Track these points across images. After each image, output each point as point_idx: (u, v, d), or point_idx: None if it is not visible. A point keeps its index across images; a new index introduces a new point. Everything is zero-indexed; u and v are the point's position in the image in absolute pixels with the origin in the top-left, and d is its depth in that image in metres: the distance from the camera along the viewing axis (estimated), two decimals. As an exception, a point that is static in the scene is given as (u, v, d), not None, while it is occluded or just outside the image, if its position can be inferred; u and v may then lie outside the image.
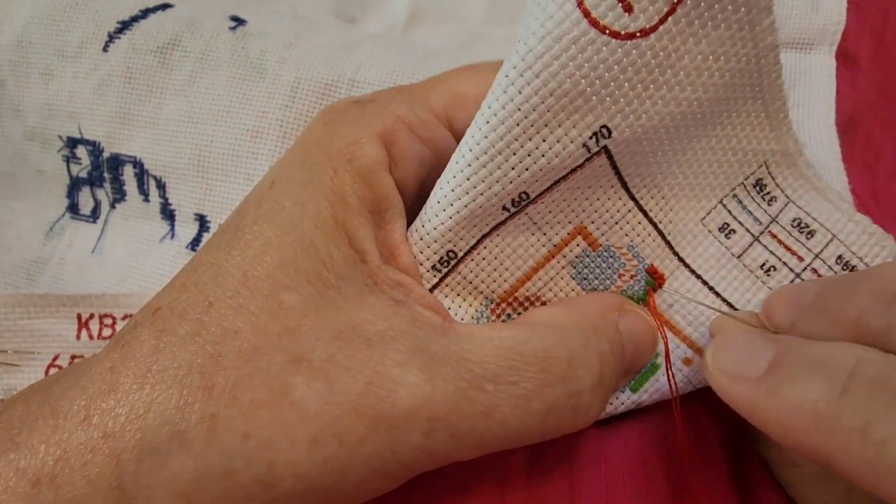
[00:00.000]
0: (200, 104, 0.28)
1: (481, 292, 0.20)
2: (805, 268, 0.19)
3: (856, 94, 0.29)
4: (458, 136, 0.18)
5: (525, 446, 0.20)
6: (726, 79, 0.17)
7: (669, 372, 0.20)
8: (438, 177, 0.18)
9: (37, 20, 0.29)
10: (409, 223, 0.18)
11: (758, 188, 0.19)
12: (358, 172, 0.17)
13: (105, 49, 0.29)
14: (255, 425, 0.15)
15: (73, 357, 0.25)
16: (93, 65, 0.29)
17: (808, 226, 0.19)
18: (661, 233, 0.19)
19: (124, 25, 0.29)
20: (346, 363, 0.16)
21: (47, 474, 0.14)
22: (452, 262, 0.19)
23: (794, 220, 0.19)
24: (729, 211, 0.19)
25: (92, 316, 0.25)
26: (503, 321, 0.20)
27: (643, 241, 0.19)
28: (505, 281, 0.19)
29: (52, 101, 0.29)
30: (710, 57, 0.16)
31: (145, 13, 0.29)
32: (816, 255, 0.19)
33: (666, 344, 0.20)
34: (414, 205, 0.18)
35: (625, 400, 0.21)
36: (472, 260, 0.19)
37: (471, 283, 0.19)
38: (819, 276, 0.20)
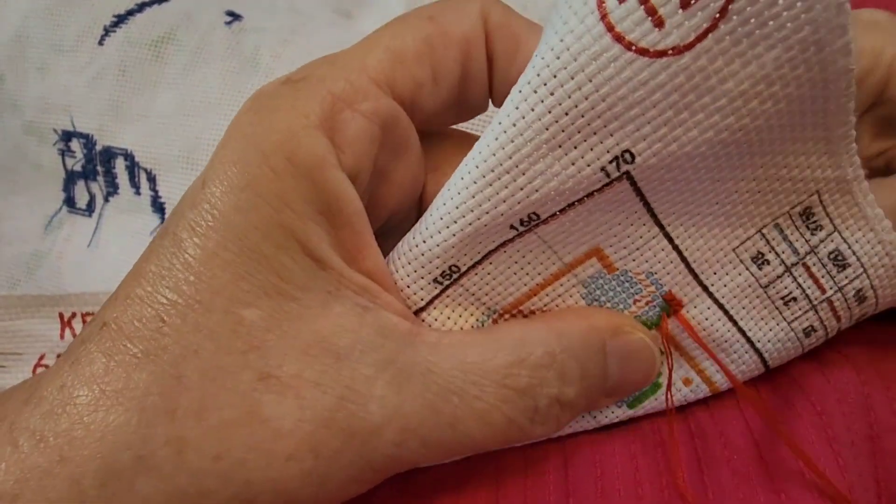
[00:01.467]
0: (192, 97, 0.28)
1: (484, 304, 0.19)
2: (823, 300, 0.18)
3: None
4: (402, 102, 0.17)
5: (519, 451, 0.20)
6: (782, 106, 0.15)
7: (669, 393, 0.20)
8: (389, 153, 0.17)
9: (34, 14, 0.29)
10: (368, 211, 0.17)
11: (804, 216, 0.18)
12: (300, 173, 0.15)
13: (100, 42, 0.29)
14: (226, 446, 0.15)
15: (59, 356, 0.25)
16: (88, 58, 0.29)
17: (844, 258, 0.18)
18: (685, 260, 0.18)
19: (120, 19, 0.29)
20: (315, 378, 0.16)
21: (8, 493, 0.14)
22: (455, 276, 0.18)
23: (832, 252, 0.18)
24: (767, 241, 0.18)
25: (74, 315, 0.25)
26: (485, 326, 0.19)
27: (664, 269, 0.18)
28: (510, 295, 0.19)
29: (48, 95, 0.29)
30: (763, 82, 0.14)
31: (141, 7, 0.29)
32: (839, 289, 0.18)
33: (670, 372, 0.20)
34: (370, 186, 0.17)
35: (620, 415, 0.20)
36: (477, 274, 0.18)
37: (473, 294, 0.18)
38: (833, 309, 0.19)
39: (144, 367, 0.15)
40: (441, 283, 0.18)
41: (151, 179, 0.28)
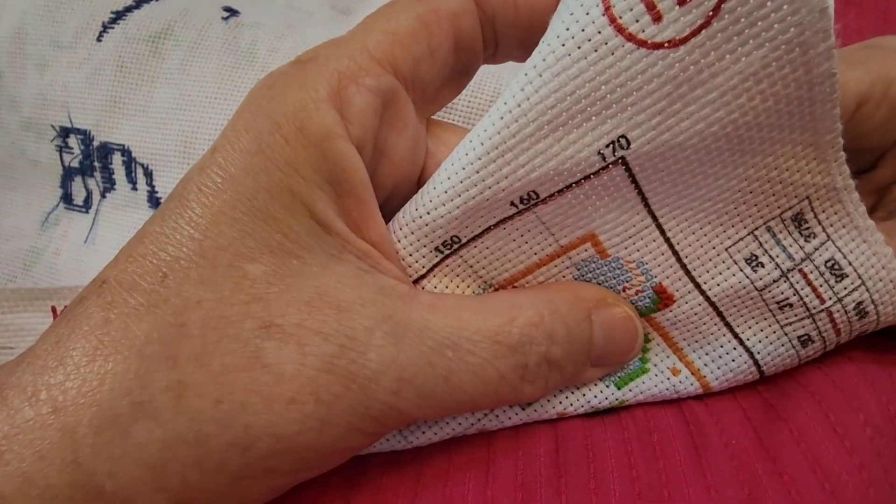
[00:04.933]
0: (189, 92, 0.28)
1: (481, 276, 0.19)
2: (822, 310, 0.19)
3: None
4: (403, 79, 0.18)
5: (511, 434, 0.20)
6: (769, 104, 0.15)
7: None
8: (389, 127, 0.18)
9: (33, 11, 0.30)
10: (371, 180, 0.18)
11: (797, 222, 0.18)
12: (311, 142, 0.16)
13: (99, 39, 0.29)
14: (227, 390, 0.15)
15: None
16: (86, 54, 0.29)
17: (841, 268, 0.18)
18: (676, 254, 0.19)
19: (118, 15, 0.29)
20: (317, 327, 0.16)
21: None
22: (455, 246, 0.19)
23: (828, 261, 0.18)
24: (760, 243, 0.18)
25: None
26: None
27: (654, 259, 0.19)
28: (506, 271, 0.19)
29: (46, 91, 0.29)
30: (752, 78, 0.15)
31: (139, 3, 0.29)
32: (839, 300, 0.18)
33: None
34: (371, 162, 0.18)
35: (609, 395, 0.20)
36: (476, 247, 0.19)
37: (471, 267, 0.19)
38: (833, 320, 0.19)
39: (145, 317, 0.15)
40: (442, 252, 0.19)
41: (148, 174, 0.28)
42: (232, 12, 0.30)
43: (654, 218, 0.18)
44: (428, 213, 0.18)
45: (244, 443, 0.15)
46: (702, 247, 0.18)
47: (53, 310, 0.24)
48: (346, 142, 0.16)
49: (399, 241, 0.18)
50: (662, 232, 0.18)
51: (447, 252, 0.19)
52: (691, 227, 0.18)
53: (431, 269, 0.19)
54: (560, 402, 0.20)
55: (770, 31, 0.15)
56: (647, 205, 0.18)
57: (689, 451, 0.18)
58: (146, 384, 0.15)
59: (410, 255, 0.18)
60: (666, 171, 0.17)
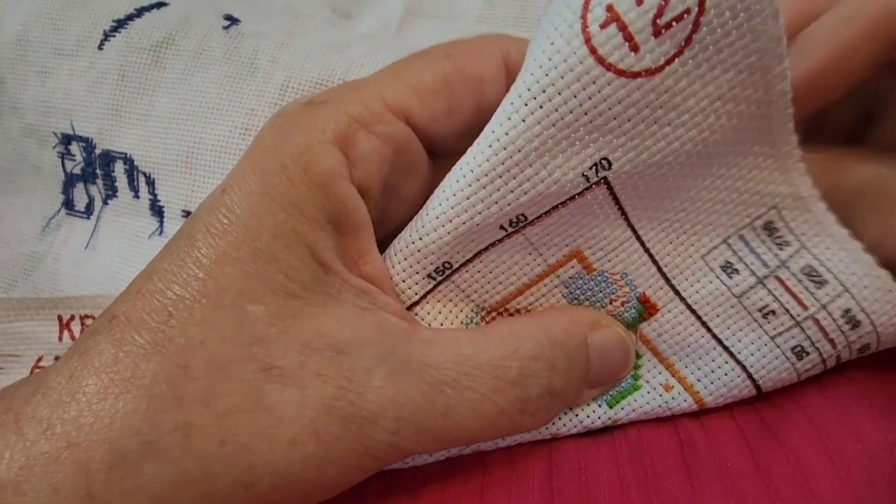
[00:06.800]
0: (191, 101, 0.28)
1: (473, 300, 0.20)
2: (807, 317, 0.19)
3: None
4: (417, 129, 0.18)
5: (505, 456, 0.20)
6: (734, 122, 0.17)
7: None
8: (400, 172, 0.19)
9: (35, 18, 0.30)
10: (377, 223, 0.18)
11: (767, 231, 0.19)
12: (315, 183, 0.16)
13: (100, 47, 0.29)
14: (231, 431, 0.16)
15: (56, 358, 0.25)
16: (88, 62, 0.29)
17: (819, 275, 0.19)
18: (657, 264, 0.19)
19: (119, 24, 0.29)
20: (316, 369, 0.16)
21: (11, 480, 0.15)
22: (447, 272, 0.19)
23: (804, 268, 0.19)
24: (734, 251, 0.19)
25: (73, 317, 0.25)
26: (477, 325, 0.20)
27: (637, 270, 0.19)
28: (497, 293, 0.20)
29: (48, 98, 0.29)
30: (718, 100, 0.16)
31: (140, 12, 0.29)
32: (823, 306, 0.19)
33: None
34: (380, 202, 0.18)
35: (601, 414, 0.21)
36: (467, 271, 0.19)
37: (463, 291, 0.20)
38: (821, 328, 0.19)
39: (152, 357, 0.16)
40: (434, 279, 0.19)
41: (150, 183, 0.28)
42: (233, 21, 0.30)
43: (634, 231, 0.19)
44: (420, 240, 0.18)
45: (248, 480, 0.16)
46: (679, 255, 0.19)
47: (59, 319, 0.25)
48: (347, 183, 0.17)
49: (393, 268, 0.19)
50: (642, 243, 0.19)
51: (439, 279, 0.19)
52: (668, 237, 0.19)
53: (424, 296, 0.19)
54: (553, 424, 0.20)
55: (735, 56, 0.16)
56: (626, 219, 0.19)
57: (681, 472, 0.18)
58: (155, 424, 0.15)
59: (404, 281, 0.19)
60: (643, 186, 0.18)
